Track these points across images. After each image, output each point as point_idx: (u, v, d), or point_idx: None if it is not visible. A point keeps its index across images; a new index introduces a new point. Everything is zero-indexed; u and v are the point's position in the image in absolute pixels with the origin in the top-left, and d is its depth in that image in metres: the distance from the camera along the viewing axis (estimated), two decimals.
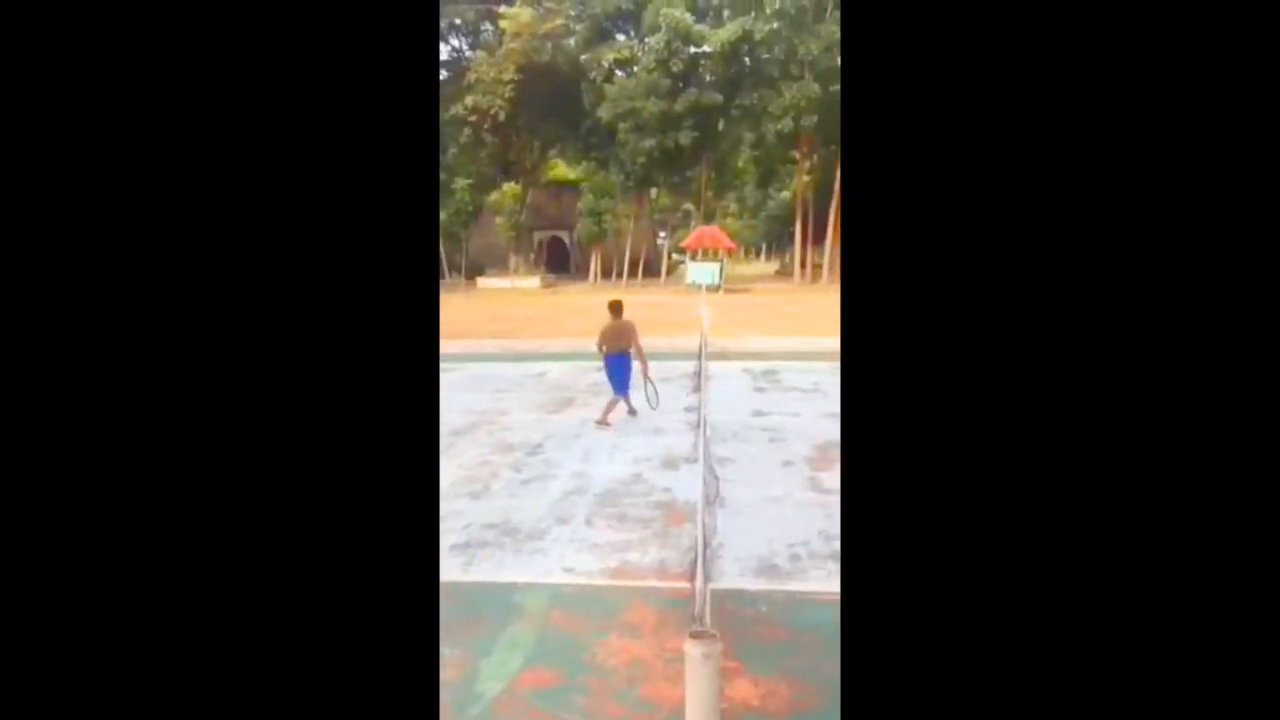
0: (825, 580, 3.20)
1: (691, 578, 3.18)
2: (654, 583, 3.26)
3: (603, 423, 6.09)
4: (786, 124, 22.60)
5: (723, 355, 9.21)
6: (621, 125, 23.93)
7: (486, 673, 2.56)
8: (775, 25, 22.64)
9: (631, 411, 6.39)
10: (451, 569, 3.45)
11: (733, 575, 3.32)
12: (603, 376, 6.50)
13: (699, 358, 7.86)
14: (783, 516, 4.01)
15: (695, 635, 2.46)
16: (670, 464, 5.04)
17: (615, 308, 6.25)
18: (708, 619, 2.60)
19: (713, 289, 20.57)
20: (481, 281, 27.25)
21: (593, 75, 24.59)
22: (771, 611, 2.99)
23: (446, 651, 2.69)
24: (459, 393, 7.82)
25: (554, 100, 26.07)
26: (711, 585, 2.92)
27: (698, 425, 5.64)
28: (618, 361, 6.21)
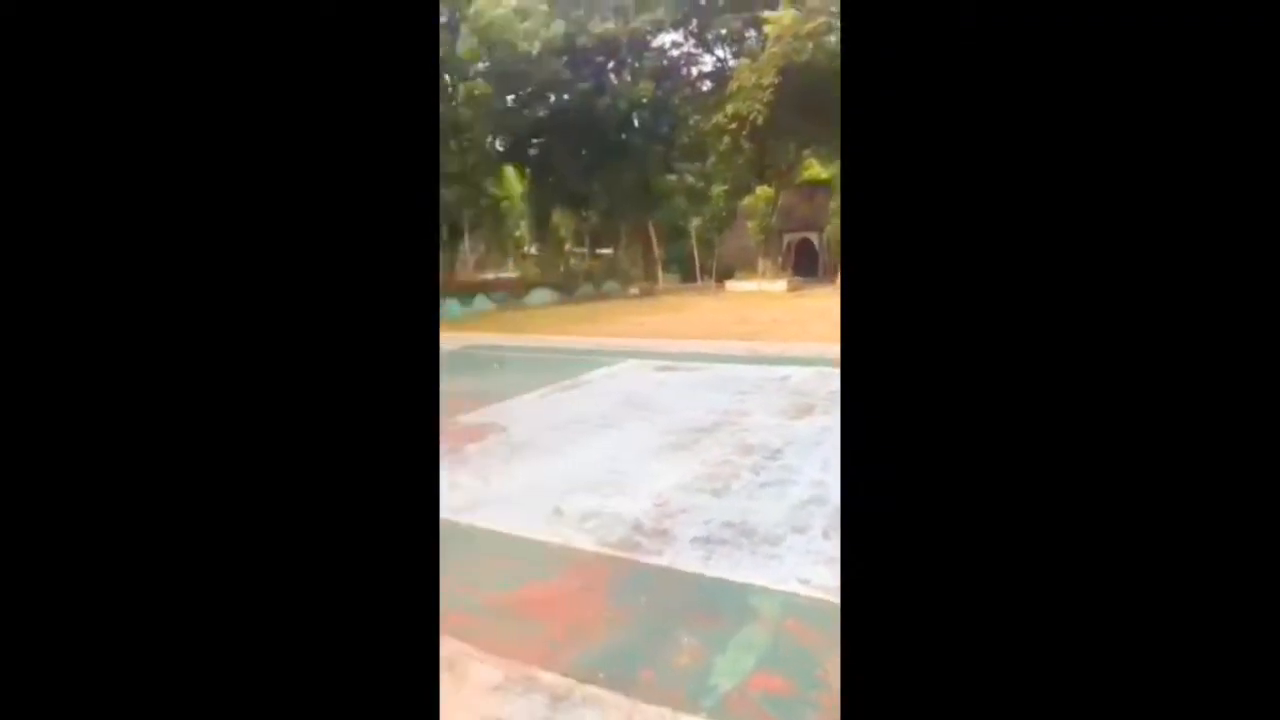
0: None
1: None
2: None
3: None
4: None
5: None
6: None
7: (720, 668, 2.65)
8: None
9: None
10: (692, 560, 3.63)
11: None
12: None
13: None
14: None
15: None
16: None
17: None
18: None
19: None
20: (730, 285, 27.82)
21: None
22: None
23: (685, 639, 2.86)
24: (703, 391, 8.12)
25: (812, 99, 25.42)
26: None
27: None
28: None
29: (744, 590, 3.28)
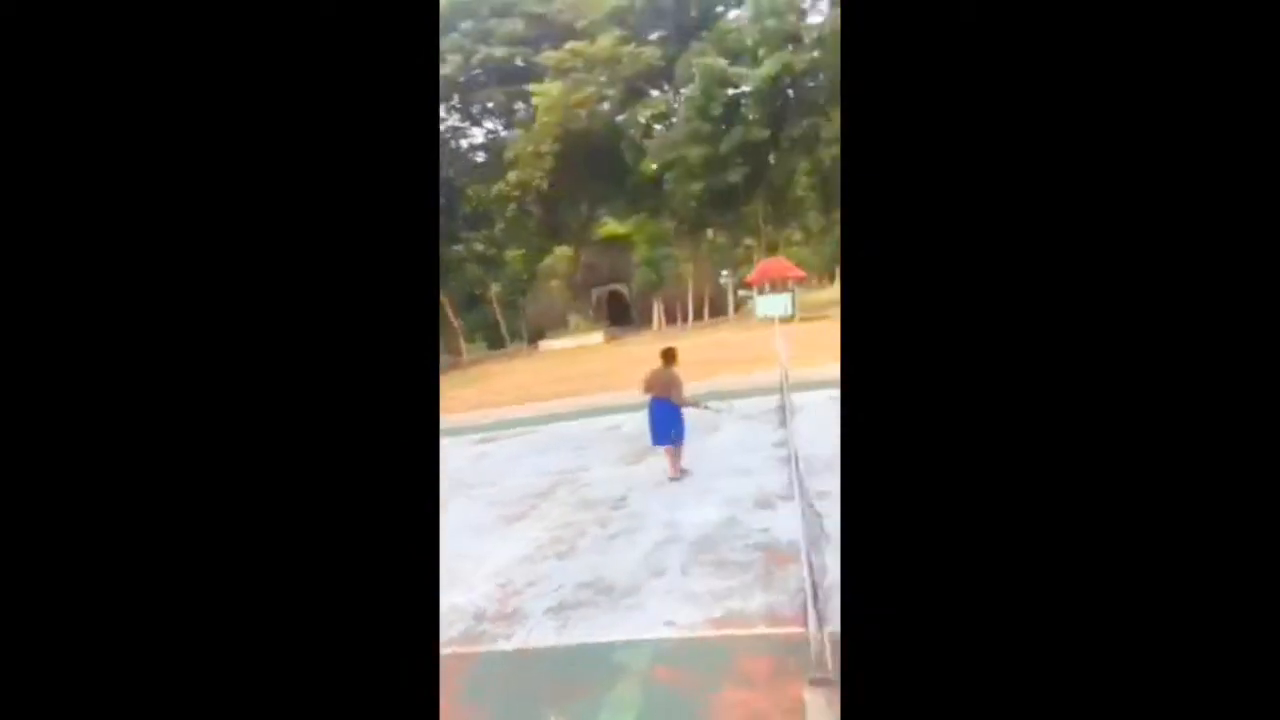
0: None
1: (805, 622, 2.99)
2: (763, 629, 3.08)
3: (676, 477, 5.82)
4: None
5: (807, 385, 8.97)
6: (667, 175, 24.58)
7: None
8: (815, 54, 22.95)
9: (675, 473, 5.87)
10: (546, 633, 3.38)
11: None
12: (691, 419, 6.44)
13: (782, 391, 7.68)
14: None
15: (815, 682, 2.29)
16: (764, 503, 4.86)
17: (667, 356, 5.88)
18: (829, 664, 2.42)
19: (786, 320, 20.28)
20: (543, 344, 27.95)
21: (631, 133, 25.49)
22: None
23: (552, 717, 2.60)
24: (534, 456, 7.89)
25: (596, 163, 27.12)
26: (828, 628, 2.74)
27: (789, 460, 5.44)
28: (659, 408, 5.77)
29: (607, 649, 3.10)
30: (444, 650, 3.38)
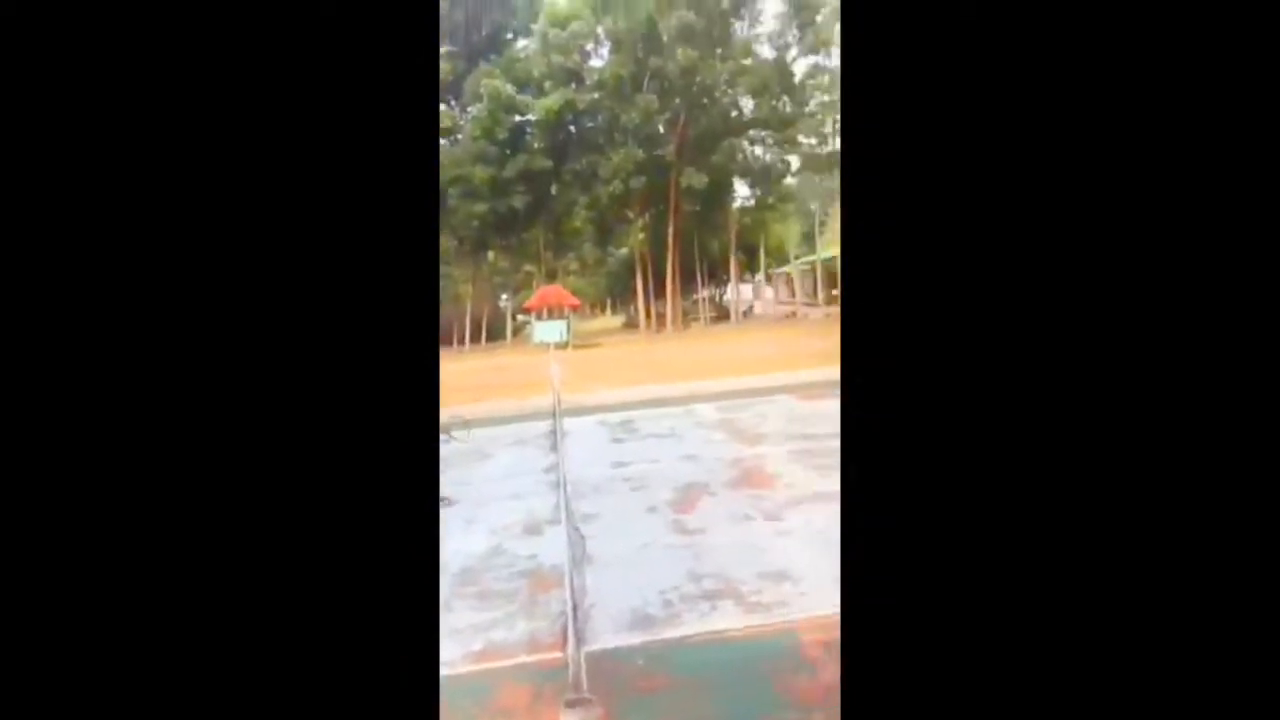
0: (699, 622, 3.20)
1: (564, 645, 3.04)
2: (524, 658, 3.07)
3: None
4: (617, 186, 23.85)
5: (578, 410, 9.20)
6: (451, 191, 23.86)
7: None
8: (596, 95, 24.06)
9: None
10: None
11: (608, 633, 3.22)
12: (448, 450, 6.23)
13: (554, 416, 7.79)
14: (651, 563, 3.99)
15: (571, 704, 2.33)
16: (532, 529, 4.86)
17: None
18: (584, 684, 2.49)
19: (561, 346, 20.68)
20: None
21: None
22: (650, 663, 2.92)
23: None
24: None
25: None
26: (586, 648, 2.81)
27: (558, 484, 5.52)
28: None
29: None
30: None
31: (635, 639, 3.14)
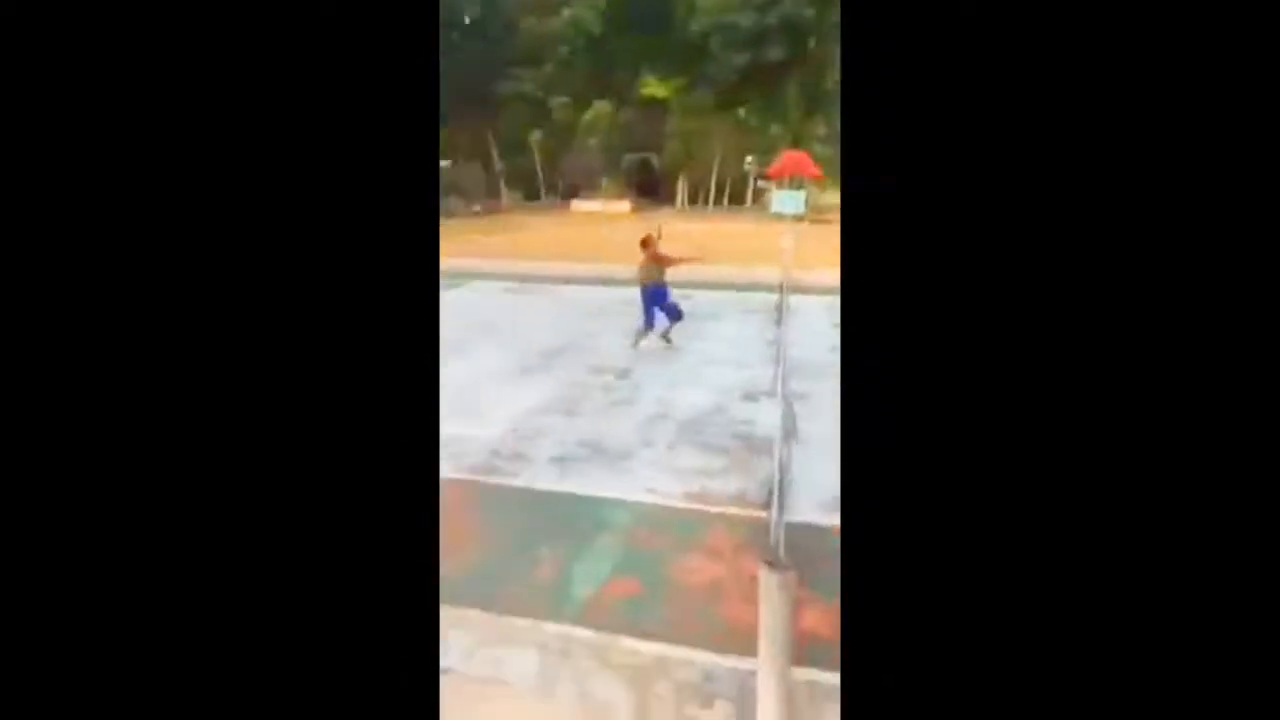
0: None
1: (768, 508, 3.28)
2: (733, 510, 3.38)
3: (666, 337, 6.45)
4: None
5: (805, 289, 8.95)
6: (713, 39, 22.56)
7: (579, 576, 2.78)
8: None
9: (664, 337, 6.47)
10: (547, 478, 3.70)
11: (807, 509, 3.38)
12: (686, 306, 6.54)
13: (781, 291, 7.68)
14: None
15: (770, 564, 2.56)
16: (750, 397, 5.07)
17: (645, 244, 6.34)
18: (782, 550, 2.70)
19: (797, 218, 19.68)
20: (575, 204, 27.19)
21: None
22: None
23: (544, 550, 2.94)
24: (554, 314, 8.04)
25: (648, 13, 24.76)
26: (787, 517, 3.01)
27: (777, 360, 5.60)
28: (648, 294, 6.32)
29: (597, 503, 3.42)
30: (459, 476, 3.71)
31: (830, 520, 3.26)
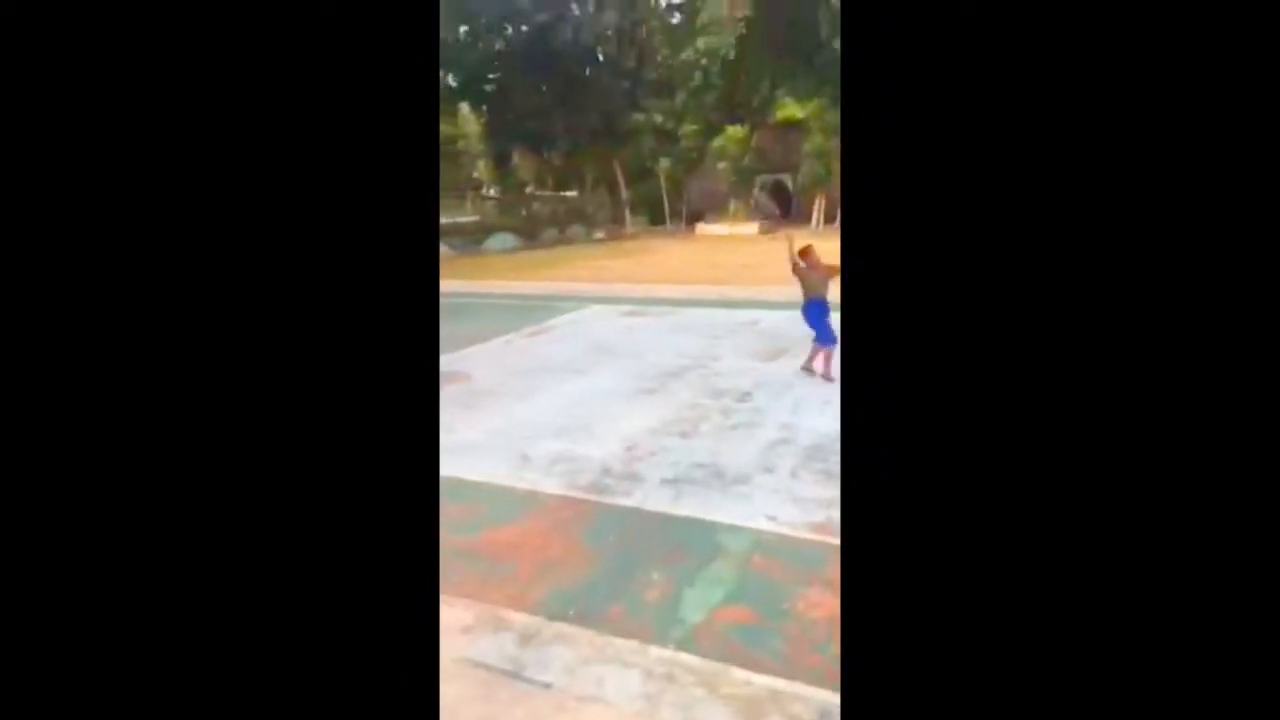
0: None
1: None
2: None
3: (825, 376, 5.81)
4: None
5: None
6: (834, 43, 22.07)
7: (689, 602, 2.71)
8: None
9: (827, 372, 5.82)
10: (660, 501, 3.67)
11: None
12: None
13: None
14: None
15: None
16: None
17: (805, 254, 5.84)
18: None
19: None
20: (700, 228, 27.53)
21: (833, 2, 22.92)
22: None
23: (655, 575, 2.90)
24: (673, 336, 8.10)
25: (788, 33, 24.81)
26: None
27: None
28: (810, 307, 5.79)
29: (712, 528, 3.33)
30: (571, 493, 3.79)
31: None
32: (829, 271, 5.80)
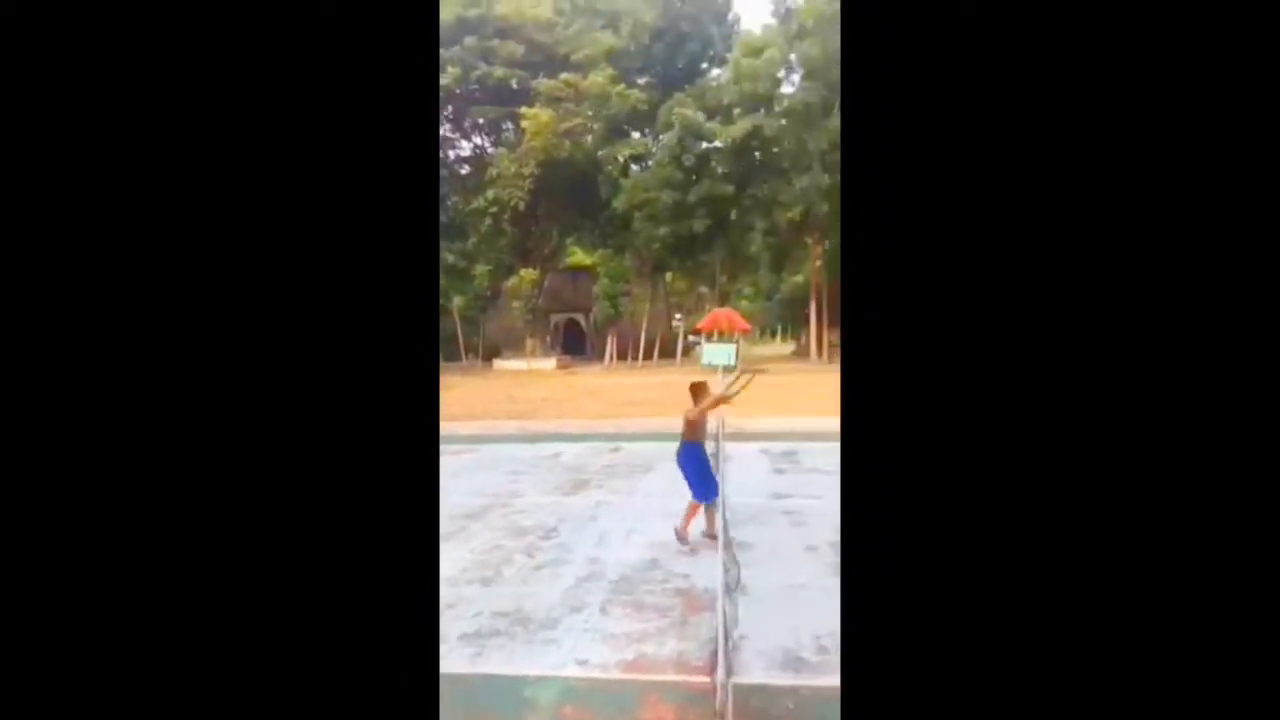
0: None
1: (712, 671, 3.01)
2: (672, 676, 3.09)
3: (709, 535, 4.86)
4: (797, 212, 23.45)
5: (740, 436, 9.11)
6: (637, 215, 24.99)
7: None
8: (784, 122, 23.95)
9: (712, 531, 4.83)
10: (460, 660, 3.31)
11: (756, 669, 3.14)
12: (617, 458, 6.43)
13: (716, 438, 7.78)
14: (807, 605, 3.83)
15: None
16: (688, 550, 4.89)
17: (697, 392, 5.02)
18: (730, 716, 2.45)
19: (729, 369, 20.61)
20: (498, 363, 27.62)
21: (609, 169, 25.96)
22: (799, 707, 2.81)
23: None
24: (472, 474, 7.75)
25: (572, 192, 27.41)
26: (734, 679, 2.77)
27: (717, 508, 5.51)
28: (685, 454, 4.90)
29: (519, 683, 3.05)
30: None
31: (785, 679, 3.03)
32: (716, 404, 5.00)
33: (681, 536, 4.84)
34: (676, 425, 5.20)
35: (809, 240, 26.48)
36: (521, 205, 26.30)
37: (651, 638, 3.47)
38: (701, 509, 4.91)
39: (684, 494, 5.16)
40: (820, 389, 15.70)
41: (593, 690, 2.99)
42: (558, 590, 4.16)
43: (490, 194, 26.18)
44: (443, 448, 9.56)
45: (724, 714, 2.45)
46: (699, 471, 4.83)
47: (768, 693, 2.92)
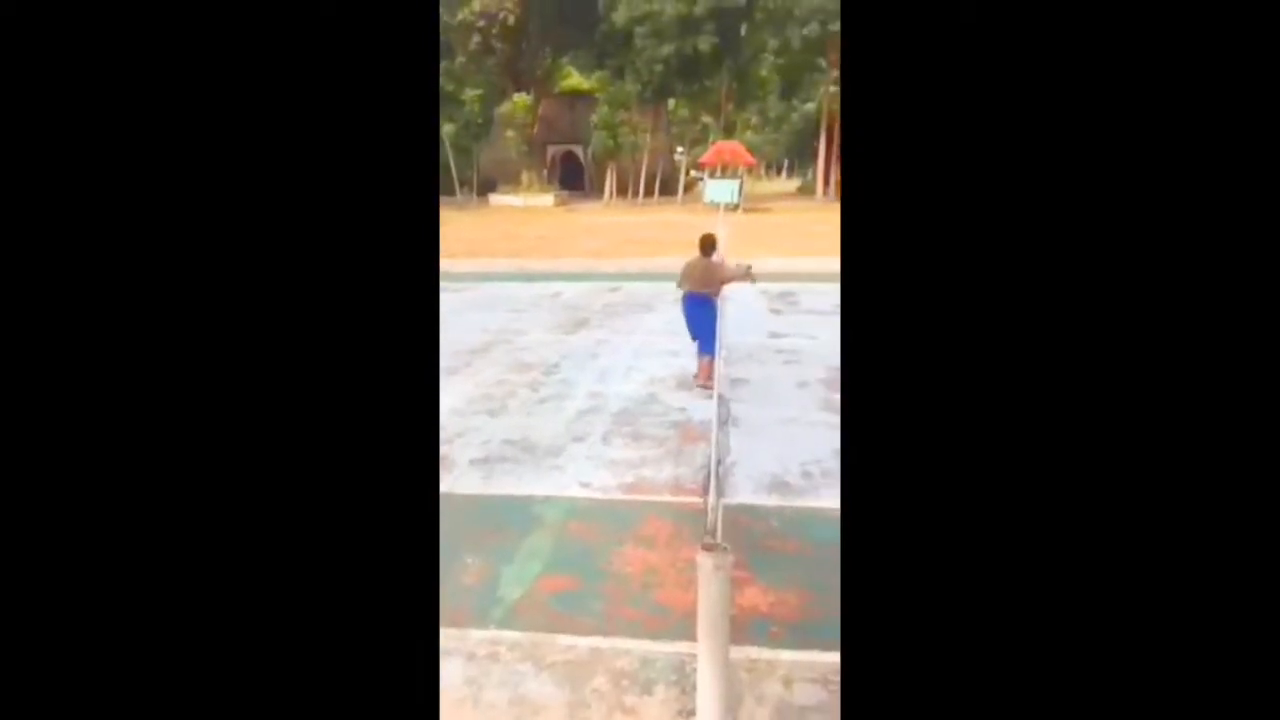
0: (837, 497, 3.30)
1: (705, 492, 3.30)
2: (668, 497, 3.38)
3: (704, 385, 4.82)
4: (813, 28, 21.41)
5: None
6: (638, 30, 22.78)
7: (507, 579, 2.71)
8: None
9: (706, 381, 4.82)
10: (471, 482, 3.60)
11: (745, 492, 3.43)
12: (617, 298, 6.49)
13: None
14: (796, 436, 4.09)
15: (707, 547, 2.57)
16: (685, 385, 5.11)
17: (705, 243, 4.93)
18: (719, 532, 2.72)
19: (731, 208, 20.05)
20: (494, 198, 26.79)
21: None
22: (783, 526, 3.11)
23: (469, 559, 2.85)
24: (474, 312, 7.87)
25: (567, 3, 24.78)
26: (724, 500, 3.04)
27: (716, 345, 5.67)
28: (697, 303, 4.88)
29: (526, 502, 3.35)
30: None
31: (771, 501, 3.32)
32: (724, 276, 4.92)
33: (706, 386, 4.75)
34: (677, 266, 5.20)
35: (824, 62, 24.48)
36: (511, 19, 23.96)
37: (650, 464, 3.75)
38: (702, 361, 4.98)
39: (683, 334, 5.24)
40: (823, 229, 15.42)
41: (596, 509, 3.29)
42: (561, 421, 4.41)
43: (476, 4, 23.72)
44: (442, 285, 9.61)
45: (714, 530, 2.72)
46: (710, 325, 4.73)
47: (754, 511, 3.21)
